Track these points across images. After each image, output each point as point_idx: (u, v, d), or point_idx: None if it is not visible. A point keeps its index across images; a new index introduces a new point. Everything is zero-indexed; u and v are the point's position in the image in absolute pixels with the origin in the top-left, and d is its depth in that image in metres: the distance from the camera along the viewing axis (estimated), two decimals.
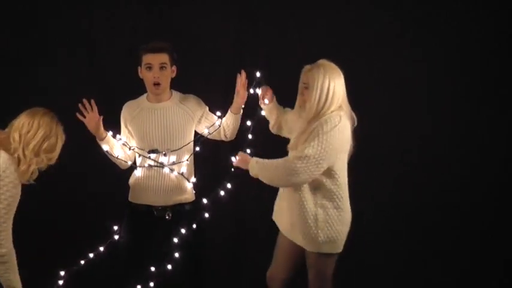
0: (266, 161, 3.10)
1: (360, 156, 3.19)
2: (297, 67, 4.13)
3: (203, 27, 4.22)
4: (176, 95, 3.46)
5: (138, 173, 3.41)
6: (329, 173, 3.06)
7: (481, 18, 4.14)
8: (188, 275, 3.42)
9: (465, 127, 4.20)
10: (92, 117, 3.28)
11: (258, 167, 3.10)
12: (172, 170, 3.34)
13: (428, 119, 4.21)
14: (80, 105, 3.28)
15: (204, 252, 3.49)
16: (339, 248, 3.18)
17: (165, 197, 3.37)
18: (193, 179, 3.45)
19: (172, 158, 3.35)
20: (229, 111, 3.40)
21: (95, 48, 4.20)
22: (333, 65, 3.11)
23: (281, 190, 3.27)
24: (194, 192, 3.47)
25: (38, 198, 3.56)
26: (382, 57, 4.18)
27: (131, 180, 3.45)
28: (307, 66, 3.14)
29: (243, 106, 3.39)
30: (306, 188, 3.09)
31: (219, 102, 3.61)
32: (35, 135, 2.83)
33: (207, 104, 3.51)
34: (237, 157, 3.21)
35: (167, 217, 3.37)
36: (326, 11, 4.20)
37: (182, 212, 3.39)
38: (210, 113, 3.49)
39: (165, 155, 3.34)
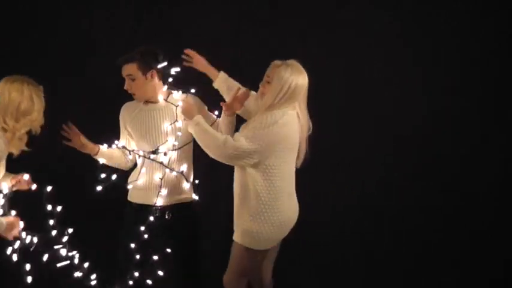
0: (207, 128, 3.14)
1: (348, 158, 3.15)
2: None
3: (203, 27, 4.23)
4: (175, 94, 3.46)
5: (137, 172, 3.41)
6: (262, 167, 3.09)
7: (480, 18, 4.14)
8: (187, 273, 3.43)
9: (460, 127, 4.22)
10: (73, 137, 3.31)
11: (198, 129, 3.15)
12: (172, 170, 3.34)
13: (421, 117, 4.23)
14: (61, 132, 3.29)
15: (202, 251, 3.49)
16: (258, 245, 3.17)
17: (164, 196, 3.36)
18: (191, 179, 3.46)
19: (172, 157, 3.35)
20: (223, 113, 3.38)
21: (94, 48, 4.20)
22: (301, 68, 3.17)
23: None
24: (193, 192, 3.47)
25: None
26: (381, 57, 4.20)
27: (130, 180, 3.45)
28: (277, 62, 3.18)
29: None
30: (245, 176, 3.15)
31: (218, 102, 3.60)
32: (9, 101, 2.91)
33: (206, 104, 3.50)
34: (183, 103, 3.24)
35: (167, 217, 3.37)
36: (326, 12, 4.22)
37: (182, 212, 3.39)
38: (209, 112, 3.48)
39: (165, 154, 3.33)
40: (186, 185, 3.41)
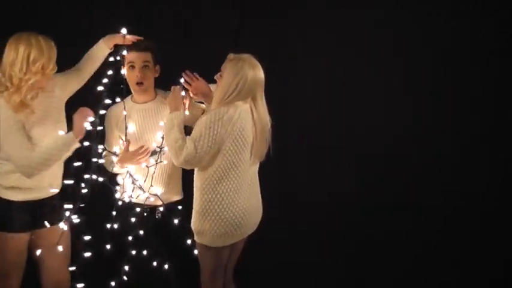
0: (174, 127, 3.09)
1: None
2: (295, 69, 4.17)
3: (202, 28, 4.23)
4: (160, 93, 3.46)
5: (128, 172, 3.40)
6: (211, 165, 3.05)
7: (480, 18, 4.15)
8: (180, 272, 3.45)
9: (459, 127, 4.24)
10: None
11: (168, 124, 3.11)
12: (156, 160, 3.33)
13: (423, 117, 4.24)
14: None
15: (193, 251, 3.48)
16: (210, 242, 3.12)
17: (157, 195, 3.37)
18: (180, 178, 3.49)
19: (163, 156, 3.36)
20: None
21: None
22: (255, 62, 3.09)
23: None
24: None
25: None
26: (380, 58, 4.21)
27: (120, 179, 3.44)
28: (230, 56, 3.12)
29: None
30: (197, 175, 3.12)
31: None
32: (17, 55, 2.92)
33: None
34: (171, 94, 3.22)
35: (157, 216, 3.37)
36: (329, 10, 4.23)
37: (172, 211, 3.40)
38: (196, 103, 3.45)
39: (160, 150, 3.34)
40: (178, 184, 3.43)
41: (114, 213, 3.39)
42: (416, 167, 4.24)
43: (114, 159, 3.36)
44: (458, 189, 4.21)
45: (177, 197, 3.48)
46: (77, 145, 3.09)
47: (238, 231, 3.14)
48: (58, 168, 3.20)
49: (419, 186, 4.24)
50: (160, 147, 3.31)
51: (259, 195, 3.29)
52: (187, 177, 3.45)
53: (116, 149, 3.40)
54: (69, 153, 3.12)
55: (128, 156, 3.30)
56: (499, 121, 4.19)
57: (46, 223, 3.15)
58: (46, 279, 3.28)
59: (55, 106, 3.17)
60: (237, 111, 3.02)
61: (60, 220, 3.16)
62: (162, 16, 4.25)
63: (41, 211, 3.13)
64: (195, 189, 3.15)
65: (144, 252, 3.36)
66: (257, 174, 3.27)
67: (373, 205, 4.26)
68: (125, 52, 3.30)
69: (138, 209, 3.37)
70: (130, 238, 3.33)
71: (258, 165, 3.26)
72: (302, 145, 4.32)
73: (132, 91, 3.39)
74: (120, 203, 3.40)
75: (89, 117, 3.05)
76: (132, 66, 3.29)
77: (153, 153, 3.34)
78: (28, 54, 2.92)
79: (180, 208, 3.46)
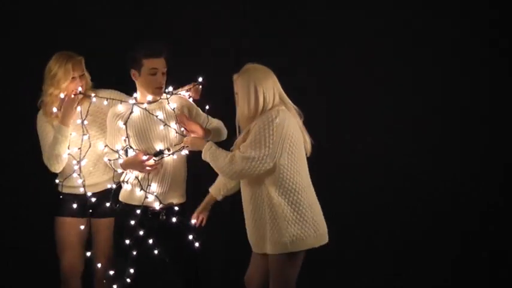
0: (218, 151, 3.12)
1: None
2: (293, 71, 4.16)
3: (202, 28, 4.26)
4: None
5: (132, 174, 3.40)
6: (277, 170, 3.03)
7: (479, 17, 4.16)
8: (184, 273, 3.44)
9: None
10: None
11: (210, 154, 3.13)
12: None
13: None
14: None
15: (199, 252, 3.46)
16: (300, 245, 3.05)
17: (159, 197, 3.36)
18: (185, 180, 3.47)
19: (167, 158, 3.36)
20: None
21: (94, 51, 4.21)
22: (259, 67, 3.12)
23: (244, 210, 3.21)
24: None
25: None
26: (380, 58, 4.23)
27: (123, 180, 3.45)
28: (235, 76, 3.15)
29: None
30: (258, 189, 3.08)
31: (218, 105, 3.62)
32: (46, 71, 3.44)
33: (208, 105, 3.50)
34: (187, 139, 3.26)
35: (161, 217, 3.38)
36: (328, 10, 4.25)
37: (176, 213, 3.38)
38: (199, 111, 3.48)
39: (168, 149, 3.34)
40: (182, 186, 3.44)
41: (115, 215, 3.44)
42: (417, 168, 4.24)
43: (120, 160, 3.39)
44: (461, 191, 4.22)
45: (179, 200, 3.46)
46: (66, 130, 3.42)
47: (322, 227, 3.12)
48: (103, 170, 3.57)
49: (420, 187, 4.24)
50: (163, 151, 3.32)
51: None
52: (188, 179, 3.47)
53: (118, 147, 3.40)
54: (66, 141, 3.44)
55: (131, 162, 3.33)
56: (499, 121, 4.21)
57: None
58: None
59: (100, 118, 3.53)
60: (282, 111, 3.05)
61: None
62: (161, 17, 4.28)
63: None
64: (257, 206, 3.09)
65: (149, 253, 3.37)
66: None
67: (373, 206, 4.27)
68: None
69: (139, 211, 3.36)
70: (135, 240, 3.34)
71: None
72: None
73: (150, 94, 3.36)
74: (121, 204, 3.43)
75: (75, 105, 3.41)
76: (153, 74, 3.30)
77: (157, 153, 3.33)
78: (52, 71, 3.41)
79: (177, 209, 3.42)
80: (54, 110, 3.46)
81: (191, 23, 4.27)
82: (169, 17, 4.28)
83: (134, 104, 3.36)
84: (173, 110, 3.35)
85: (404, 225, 4.23)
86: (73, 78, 3.43)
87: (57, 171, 3.54)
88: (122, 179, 3.45)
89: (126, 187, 3.41)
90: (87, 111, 3.48)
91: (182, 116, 3.34)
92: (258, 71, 3.11)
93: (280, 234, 3.03)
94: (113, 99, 3.45)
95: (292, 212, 3.04)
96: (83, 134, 3.48)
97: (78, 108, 3.48)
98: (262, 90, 3.06)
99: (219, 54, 4.27)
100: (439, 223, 4.24)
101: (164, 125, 3.33)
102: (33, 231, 4.19)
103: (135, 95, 3.40)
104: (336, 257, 4.18)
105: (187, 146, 3.29)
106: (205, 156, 3.17)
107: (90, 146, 3.49)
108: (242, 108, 3.10)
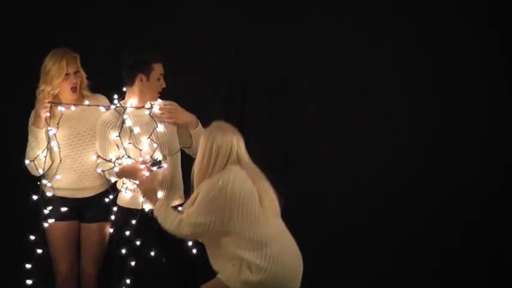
0: (167, 212, 3.12)
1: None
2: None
3: (201, 29, 4.24)
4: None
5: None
6: (229, 229, 2.97)
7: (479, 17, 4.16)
8: (182, 276, 3.42)
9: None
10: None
11: (160, 215, 3.13)
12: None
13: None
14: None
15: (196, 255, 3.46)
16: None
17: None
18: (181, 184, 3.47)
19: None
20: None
21: (94, 53, 4.19)
22: (223, 126, 3.10)
23: None
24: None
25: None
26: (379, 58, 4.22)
27: (120, 185, 3.43)
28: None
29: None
30: (219, 248, 3.03)
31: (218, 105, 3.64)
32: (42, 68, 3.43)
33: (204, 113, 3.49)
34: (143, 185, 3.26)
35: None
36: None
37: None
38: None
39: (165, 157, 3.33)
40: (180, 189, 3.43)
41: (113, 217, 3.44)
42: (416, 168, 4.24)
43: (115, 168, 3.36)
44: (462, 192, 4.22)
45: (178, 201, 3.46)
46: (37, 132, 3.41)
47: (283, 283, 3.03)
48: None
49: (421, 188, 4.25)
50: (161, 161, 3.31)
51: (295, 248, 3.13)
52: (187, 181, 3.44)
53: (112, 156, 3.37)
54: (38, 143, 3.41)
55: (128, 171, 3.32)
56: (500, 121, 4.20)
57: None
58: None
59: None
60: (233, 171, 3.00)
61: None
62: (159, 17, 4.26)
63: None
64: (219, 260, 3.06)
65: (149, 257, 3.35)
66: (284, 227, 3.14)
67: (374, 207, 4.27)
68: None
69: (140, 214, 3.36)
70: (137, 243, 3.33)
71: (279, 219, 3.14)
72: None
73: (151, 100, 3.36)
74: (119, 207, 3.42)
75: (45, 106, 3.38)
76: (160, 79, 3.33)
77: (155, 163, 3.31)
78: (47, 69, 3.40)
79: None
80: (61, 108, 3.44)
81: (191, 23, 4.26)
82: (168, 17, 4.27)
83: (122, 108, 3.34)
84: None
85: (404, 225, 4.22)
86: (67, 74, 3.41)
87: (36, 174, 3.47)
88: (120, 187, 3.43)
89: (124, 193, 3.40)
90: (59, 119, 3.43)
91: (169, 108, 3.33)
92: (220, 129, 3.08)
93: (239, 273, 2.97)
94: (76, 105, 3.43)
95: (253, 266, 2.95)
96: (48, 142, 3.41)
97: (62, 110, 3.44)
98: (217, 149, 3.02)
99: (218, 55, 4.27)
100: (439, 223, 4.23)
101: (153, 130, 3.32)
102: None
103: (117, 102, 3.39)
104: (336, 257, 4.20)
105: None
106: (156, 215, 3.16)
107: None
108: (197, 164, 3.08)
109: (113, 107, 3.39)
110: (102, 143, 3.37)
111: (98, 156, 3.42)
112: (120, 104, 3.38)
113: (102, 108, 3.42)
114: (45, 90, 3.41)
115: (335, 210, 4.26)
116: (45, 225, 3.44)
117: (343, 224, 4.24)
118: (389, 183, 4.23)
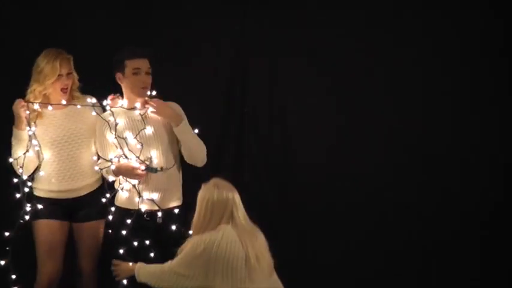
0: (150, 267, 3.11)
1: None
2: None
3: (201, 30, 4.24)
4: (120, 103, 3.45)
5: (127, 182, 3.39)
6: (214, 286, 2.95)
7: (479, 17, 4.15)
8: None
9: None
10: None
11: (143, 274, 3.11)
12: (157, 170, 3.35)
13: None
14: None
15: None
16: None
17: (156, 201, 3.36)
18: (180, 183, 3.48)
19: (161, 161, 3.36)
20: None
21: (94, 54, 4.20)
22: (221, 185, 3.06)
23: None
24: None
25: None
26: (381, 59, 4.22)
27: (118, 185, 3.43)
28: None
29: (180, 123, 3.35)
30: None
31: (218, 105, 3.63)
32: (34, 67, 3.40)
33: (204, 113, 3.50)
34: (115, 267, 3.26)
35: (158, 221, 3.37)
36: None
37: (172, 216, 3.39)
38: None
39: (162, 168, 3.35)
40: (179, 189, 3.43)
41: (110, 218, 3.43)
42: (417, 168, 4.24)
43: (112, 166, 3.37)
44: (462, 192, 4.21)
45: (175, 202, 3.46)
46: (19, 133, 3.36)
47: None
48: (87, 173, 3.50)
49: (421, 189, 4.24)
50: (156, 169, 3.33)
51: None
52: (187, 182, 3.47)
53: (111, 155, 3.38)
54: (20, 144, 3.37)
55: (124, 168, 3.33)
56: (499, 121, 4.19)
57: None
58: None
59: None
60: (223, 232, 2.97)
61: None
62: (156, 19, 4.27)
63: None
64: None
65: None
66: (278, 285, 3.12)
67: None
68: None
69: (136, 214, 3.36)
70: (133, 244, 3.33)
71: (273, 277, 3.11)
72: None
73: (136, 96, 3.36)
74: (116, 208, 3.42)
75: (22, 105, 3.34)
76: (137, 72, 3.31)
77: (147, 168, 3.31)
78: (40, 68, 3.37)
79: (178, 213, 3.43)
80: (36, 107, 3.40)
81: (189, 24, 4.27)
82: (166, 17, 4.28)
83: (114, 107, 3.36)
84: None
85: (404, 225, 4.22)
86: (60, 75, 3.40)
87: (23, 176, 3.39)
88: (117, 187, 3.44)
89: (122, 193, 3.40)
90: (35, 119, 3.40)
91: (155, 100, 3.33)
92: (217, 187, 3.06)
93: None
94: (53, 103, 3.41)
95: None
96: (29, 140, 3.38)
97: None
98: (212, 206, 3.01)
99: (218, 55, 4.27)
100: (439, 223, 4.23)
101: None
102: None
103: (105, 101, 3.40)
104: (335, 257, 4.21)
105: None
106: (140, 280, 3.13)
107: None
108: (194, 220, 3.08)
109: (89, 103, 3.44)
110: (102, 143, 3.41)
111: (99, 157, 3.44)
112: (101, 103, 3.43)
113: (93, 112, 3.42)
114: (37, 89, 3.40)
115: (335, 210, 4.26)
116: (21, 222, 3.36)
117: (343, 224, 4.24)
118: (389, 183, 4.23)
